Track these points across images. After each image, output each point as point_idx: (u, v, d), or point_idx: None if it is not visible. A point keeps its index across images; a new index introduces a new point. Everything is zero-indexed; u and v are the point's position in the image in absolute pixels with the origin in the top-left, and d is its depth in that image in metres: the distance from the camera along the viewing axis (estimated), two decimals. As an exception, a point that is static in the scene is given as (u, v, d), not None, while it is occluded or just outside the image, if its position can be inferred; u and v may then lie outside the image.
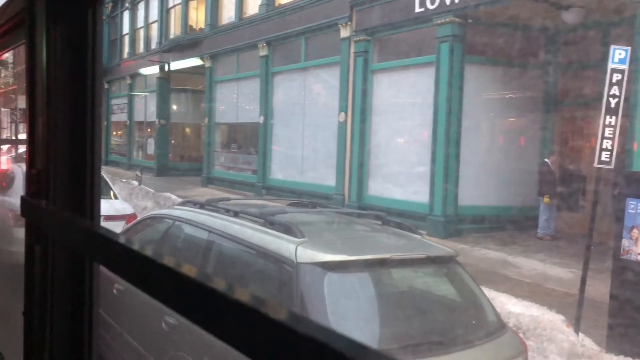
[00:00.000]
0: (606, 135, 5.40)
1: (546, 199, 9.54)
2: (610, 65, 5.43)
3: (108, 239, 0.80)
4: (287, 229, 3.21)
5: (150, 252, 0.69)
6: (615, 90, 5.39)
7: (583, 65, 9.93)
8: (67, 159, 1.13)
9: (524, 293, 6.33)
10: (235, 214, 3.71)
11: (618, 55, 5.44)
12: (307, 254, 2.99)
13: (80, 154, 1.14)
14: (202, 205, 4.16)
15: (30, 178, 1.19)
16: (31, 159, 1.19)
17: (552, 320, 5.30)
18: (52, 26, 1.17)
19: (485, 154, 10.45)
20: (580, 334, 5.14)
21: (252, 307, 0.49)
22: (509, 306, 5.59)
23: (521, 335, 4.64)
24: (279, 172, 14.79)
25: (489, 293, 5.27)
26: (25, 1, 1.23)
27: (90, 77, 1.19)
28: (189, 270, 0.60)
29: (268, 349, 0.47)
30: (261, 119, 15.10)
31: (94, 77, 1.19)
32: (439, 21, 9.98)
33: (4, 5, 1.45)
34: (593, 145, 5.94)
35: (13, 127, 20.41)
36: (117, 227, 6.10)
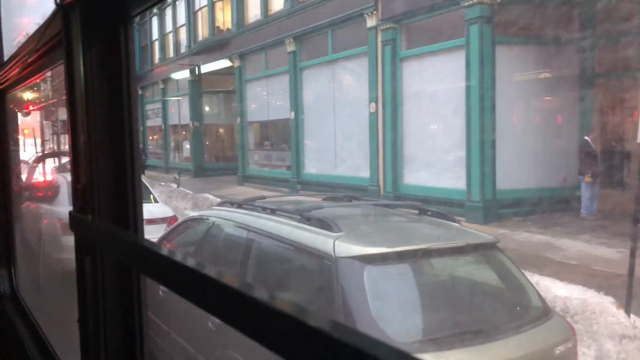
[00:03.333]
0: (649, 109, 5.20)
1: (587, 178, 9.25)
2: (650, 36, 5.22)
3: (151, 250, 0.83)
4: (324, 224, 3.24)
5: (192, 262, 0.72)
6: (656, 61, 5.17)
7: (620, 37, 9.54)
8: (108, 173, 1.17)
9: (570, 276, 6.17)
10: (272, 212, 3.76)
11: (657, 24, 5.21)
12: (345, 248, 3.00)
13: (121, 167, 1.18)
14: (239, 205, 4.23)
15: (75, 194, 1.25)
16: (75, 176, 1.25)
17: (600, 302, 5.15)
18: (87, 45, 1.21)
19: (522, 136, 10.19)
20: (632, 315, 4.98)
21: (293, 315, 0.51)
22: (554, 290, 5.46)
23: (569, 319, 4.53)
24: (312, 167, 14.84)
25: (533, 277, 5.17)
26: (62, 24, 1.28)
27: (125, 91, 1.23)
28: (230, 280, 0.63)
29: (309, 356, 0.49)
30: (292, 115, 15.17)
31: (129, 90, 1.23)
32: (466, 3, 9.78)
33: (41, 27, 1.52)
34: (635, 120, 5.72)
35: (54, 137, 21.20)
36: (159, 230, 6.26)
